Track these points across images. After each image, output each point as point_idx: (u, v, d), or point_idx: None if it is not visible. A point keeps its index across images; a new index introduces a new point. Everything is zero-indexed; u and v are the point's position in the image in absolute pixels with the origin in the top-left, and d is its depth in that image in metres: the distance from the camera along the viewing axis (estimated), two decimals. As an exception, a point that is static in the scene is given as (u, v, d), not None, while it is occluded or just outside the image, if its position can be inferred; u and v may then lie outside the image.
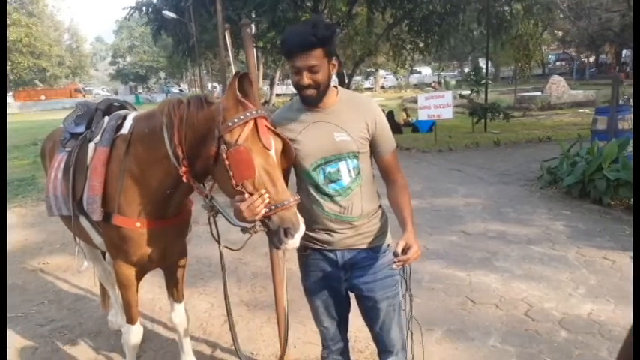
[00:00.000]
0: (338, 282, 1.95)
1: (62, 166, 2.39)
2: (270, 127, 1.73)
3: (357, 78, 36.19)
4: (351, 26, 15.58)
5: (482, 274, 4.00)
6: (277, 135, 1.73)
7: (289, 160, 1.80)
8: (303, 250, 1.95)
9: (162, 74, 59.37)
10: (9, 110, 36.98)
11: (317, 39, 1.63)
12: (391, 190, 1.92)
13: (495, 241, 4.75)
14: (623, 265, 3.99)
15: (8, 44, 37.16)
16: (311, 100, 1.76)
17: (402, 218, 1.81)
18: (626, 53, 33.90)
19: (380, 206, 1.94)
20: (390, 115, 13.60)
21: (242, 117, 1.65)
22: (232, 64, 2.55)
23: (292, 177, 1.93)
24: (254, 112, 1.68)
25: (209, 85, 37.53)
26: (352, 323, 2.17)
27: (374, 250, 1.91)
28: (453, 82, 35.84)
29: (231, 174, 1.64)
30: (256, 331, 3.29)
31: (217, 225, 2.01)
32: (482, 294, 3.65)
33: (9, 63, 39.76)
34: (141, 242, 2.15)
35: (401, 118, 15.76)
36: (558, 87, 18.89)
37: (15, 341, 3.30)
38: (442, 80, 37.61)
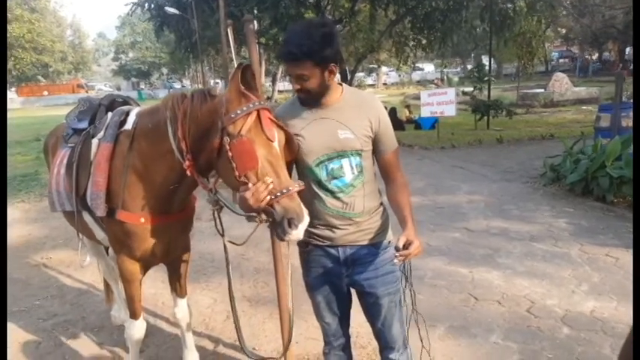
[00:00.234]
0: (339, 278, 1.95)
1: (65, 161, 2.39)
2: (274, 119, 1.72)
3: (360, 74, 36.14)
4: (354, 23, 15.55)
5: (484, 270, 4.00)
6: (280, 127, 1.72)
7: (292, 152, 1.79)
8: (304, 246, 1.95)
9: (164, 70, 59.34)
10: (11, 106, 37.26)
11: (302, 53, 1.62)
12: (390, 189, 1.91)
13: (498, 238, 4.74)
14: (626, 262, 3.99)
15: (11, 40, 37.24)
16: (306, 102, 1.79)
17: (402, 216, 1.80)
18: (630, 50, 33.73)
19: (381, 203, 1.94)
20: (393, 112, 13.56)
21: (245, 108, 1.65)
22: (234, 60, 2.54)
23: (294, 176, 1.92)
24: (257, 103, 1.68)
25: (211, 81, 37.52)
26: (354, 319, 2.17)
27: (375, 247, 1.90)
28: (456, 79, 35.70)
29: (234, 165, 1.64)
30: (258, 327, 3.30)
31: (222, 220, 2.01)
32: (485, 291, 3.65)
33: (11, 59, 39.83)
34: (145, 237, 2.15)
35: (403, 114, 15.70)
36: (561, 84, 18.82)
37: (18, 336, 3.31)
38: (445, 77, 37.47)
